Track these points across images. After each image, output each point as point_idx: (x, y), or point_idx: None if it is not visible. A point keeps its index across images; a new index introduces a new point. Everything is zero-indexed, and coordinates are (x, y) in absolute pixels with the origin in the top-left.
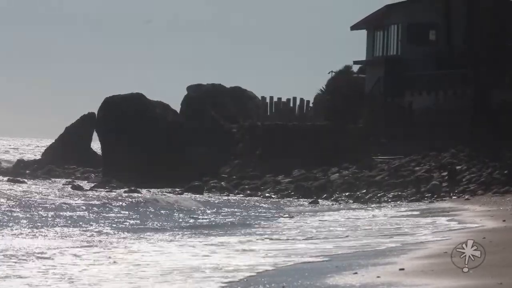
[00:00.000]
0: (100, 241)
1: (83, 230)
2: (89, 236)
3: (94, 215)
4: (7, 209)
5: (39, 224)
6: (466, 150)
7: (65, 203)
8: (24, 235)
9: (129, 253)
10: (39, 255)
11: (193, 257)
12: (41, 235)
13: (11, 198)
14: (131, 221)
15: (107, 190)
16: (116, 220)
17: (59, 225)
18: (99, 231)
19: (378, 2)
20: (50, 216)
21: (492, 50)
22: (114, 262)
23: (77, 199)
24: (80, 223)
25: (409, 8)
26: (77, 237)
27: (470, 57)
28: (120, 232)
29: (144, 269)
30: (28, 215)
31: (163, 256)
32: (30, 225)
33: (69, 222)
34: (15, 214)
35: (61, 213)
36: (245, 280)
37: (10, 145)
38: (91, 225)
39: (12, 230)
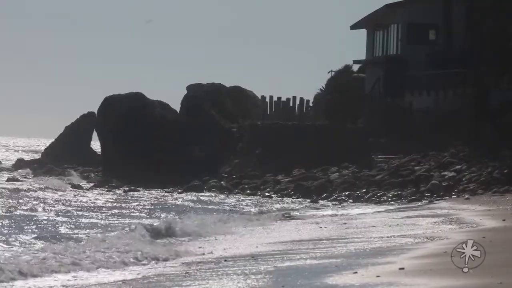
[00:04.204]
0: None
1: None
2: None
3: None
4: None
5: None
6: (466, 150)
7: None
8: None
9: None
10: None
11: None
12: None
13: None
14: None
15: (107, 189)
16: None
17: None
18: None
19: (378, 1)
20: None
21: (492, 50)
22: None
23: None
24: None
25: (409, 7)
26: None
27: (470, 57)
28: None
29: None
30: None
31: None
32: None
33: None
34: None
35: None
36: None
37: (9, 145)
38: None
39: None
